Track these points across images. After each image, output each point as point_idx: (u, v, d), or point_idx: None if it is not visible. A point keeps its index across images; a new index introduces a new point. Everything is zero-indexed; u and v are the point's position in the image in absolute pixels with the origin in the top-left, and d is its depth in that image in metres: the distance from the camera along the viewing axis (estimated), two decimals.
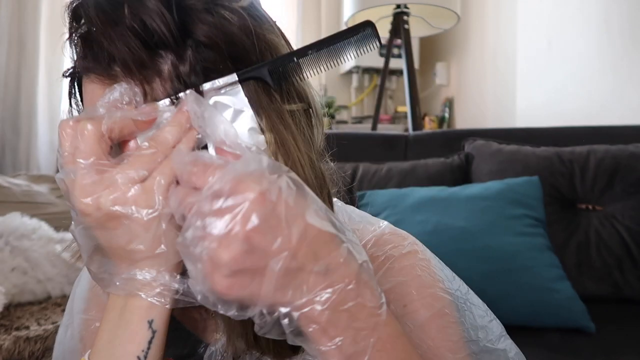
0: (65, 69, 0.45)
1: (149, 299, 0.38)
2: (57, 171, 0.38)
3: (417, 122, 2.19)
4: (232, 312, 0.34)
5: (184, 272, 0.38)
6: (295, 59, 0.41)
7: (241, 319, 0.35)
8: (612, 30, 2.02)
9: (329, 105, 3.13)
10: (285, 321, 0.34)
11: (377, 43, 0.41)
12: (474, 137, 1.59)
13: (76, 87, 0.45)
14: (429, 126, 3.23)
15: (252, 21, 0.41)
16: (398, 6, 2.18)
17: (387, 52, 2.34)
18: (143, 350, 0.39)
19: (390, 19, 2.23)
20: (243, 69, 0.40)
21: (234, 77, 0.39)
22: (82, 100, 0.44)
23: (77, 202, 0.36)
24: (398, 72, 3.30)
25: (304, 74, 0.42)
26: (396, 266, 0.49)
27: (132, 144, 0.39)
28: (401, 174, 1.50)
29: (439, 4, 2.12)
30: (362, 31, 0.40)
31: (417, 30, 2.33)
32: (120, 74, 0.39)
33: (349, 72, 3.42)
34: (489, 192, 1.32)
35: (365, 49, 0.41)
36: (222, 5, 0.40)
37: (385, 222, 0.54)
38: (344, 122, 3.40)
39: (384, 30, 2.27)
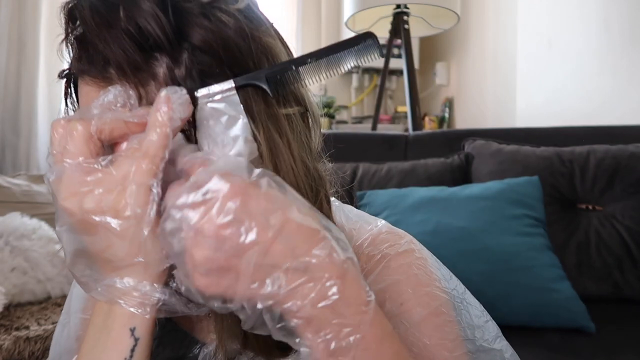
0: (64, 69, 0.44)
1: (129, 308, 0.37)
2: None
3: (417, 122, 2.19)
4: (216, 305, 0.35)
5: (167, 282, 0.38)
6: (294, 66, 0.40)
7: (234, 318, 0.35)
8: (612, 30, 2.02)
9: (329, 105, 3.12)
10: (267, 316, 0.34)
11: (378, 54, 0.41)
12: (474, 137, 1.59)
13: (72, 87, 0.45)
14: (429, 126, 3.23)
15: (248, 24, 0.41)
16: (398, 6, 2.18)
17: (387, 52, 2.34)
18: (125, 358, 0.38)
19: (390, 19, 2.23)
20: (239, 72, 0.40)
21: (230, 83, 0.39)
22: (78, 101, 0.44)
23: (61, 202, 0.36)
24: (398, 72, 3.30)
25: (303, 82, 0.42)
26: (392, 265, 0.49)
27: (124, 146, 0.39)
28: (401, 174, 1.50)
29: (439, 4, 2.11)
30: (363, 42, 0.40)
31: (417, 30, 2.33)
32: (115, 76, 0.39)
33: (349, 72, 3.41)
34: (489, 192, 1.32)
35: (365, 58, 0.41)
36: (218, 8, 0.40)
37: (383, 221, 0.54)
38: (344, 122, 3.40)
39: (384, 30, 2.27)
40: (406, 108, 2.28)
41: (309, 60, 0.40)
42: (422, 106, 2.83)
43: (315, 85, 0.43)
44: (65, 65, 0.44)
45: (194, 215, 0.33)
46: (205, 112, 0.38)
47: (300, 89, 0.45)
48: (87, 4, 0.39)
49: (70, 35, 0.41)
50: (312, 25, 3.38)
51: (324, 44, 3.43)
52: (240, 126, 0.39)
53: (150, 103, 0.38)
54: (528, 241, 1.23)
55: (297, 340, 0.35)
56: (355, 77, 3.42)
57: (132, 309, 0.37)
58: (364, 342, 0.34)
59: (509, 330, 0.54)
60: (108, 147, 0.39)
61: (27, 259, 1.44)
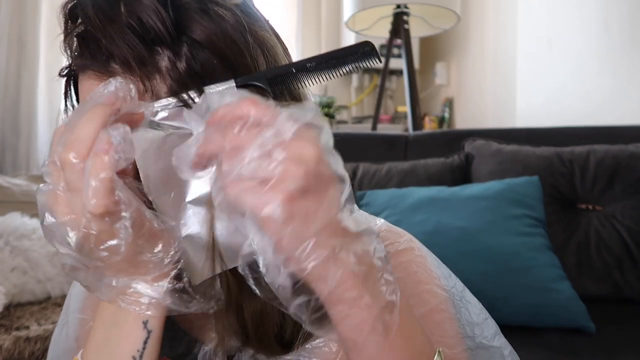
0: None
1: (129, 307, 0.37)
2: None
3: (417, 122, 2.19)
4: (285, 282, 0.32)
5: (171, 280, 0.38)
6: (294, 69, 0.41)
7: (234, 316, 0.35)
8: (612, 30, 2.02)
9: (329, 105, 3.12)
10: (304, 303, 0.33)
11: (377, 61, 0.42)
12: (474, 137, 1.59)
13: (72, 87, 0.45)
14: (429, 126, 3.24)
15: (245, 18, 0.42)
16: (398, 6, 2.18)
17: (387, 52, 2.34)
18: (138, 350, 0.38)
19: (390, 19, 2.23)
20: (237, 66, 0.40)
21: (231, 82, 0.39)
22: (77, 101, 0.44)
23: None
24: (398, 72, 3.30)
25: (302, 83, 0.42)
26: (392, 262, 0.49)
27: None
28: (401, 174, 1.50)
29: (439, 4, 2.12)
30: (362, 50, 0.41)
31: (417, 30, 2.33)
32: (119, 70, 0.39)
33: (349, 72, 3.41)
34: (489, 192, 1.32)
35: (363, 64, 0.42)
36: (216, 2, 0.41)
37: (382, 220, 0.54)
38: (344, 122, 3.40)
39: (384, 30, 2.27)
40: (406, 108, 2.28)
41: (309, 64, 0.41)
42: (422, 106, 2.83)
43: (315, 86, 0.44)
44: (66, 64, 0.44)
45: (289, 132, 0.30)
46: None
47: (299, 90, 0.45)
48: (89, 1, 0.40)
49: (71, 33, 0.41)
50: (312, 26, 3.39)
51: (323, 44, 3.44)
52: None
53: (155, 96, 0.39)
54: (528, 241, 1.23)
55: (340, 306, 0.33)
56: (355, 77, 3.42)
57: (129, 307, 0.37)
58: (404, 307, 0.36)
59: (509, 330, 0.54)
60: None
61: (27, 259, 1.44)
